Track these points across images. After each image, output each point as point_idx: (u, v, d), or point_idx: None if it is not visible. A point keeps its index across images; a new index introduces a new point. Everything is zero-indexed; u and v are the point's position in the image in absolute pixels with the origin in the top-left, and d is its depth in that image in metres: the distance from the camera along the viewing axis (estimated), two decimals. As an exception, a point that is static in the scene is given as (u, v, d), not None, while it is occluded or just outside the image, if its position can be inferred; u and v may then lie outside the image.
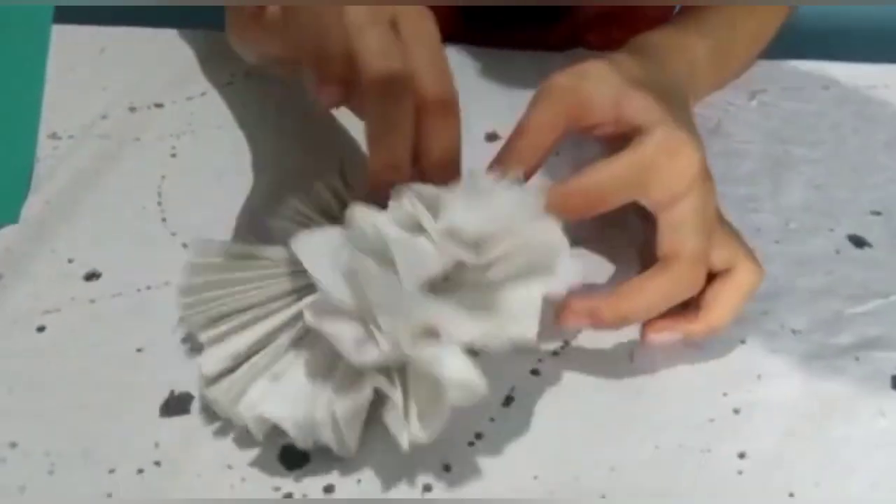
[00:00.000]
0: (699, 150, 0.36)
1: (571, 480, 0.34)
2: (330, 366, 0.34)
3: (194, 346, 0.37)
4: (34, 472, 0.33)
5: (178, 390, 0.36)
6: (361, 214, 0.34)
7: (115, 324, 0.39)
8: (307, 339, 0.35)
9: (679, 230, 0.36)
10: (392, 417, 0.32)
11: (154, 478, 0.33)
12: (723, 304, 0.37)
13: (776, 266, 0.41)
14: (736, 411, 0.36)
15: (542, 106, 0.38)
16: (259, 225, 0.41)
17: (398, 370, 0.33)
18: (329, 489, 0.33)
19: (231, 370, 0.34)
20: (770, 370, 0.38)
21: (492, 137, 0.47)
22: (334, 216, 0.39)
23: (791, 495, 0.34)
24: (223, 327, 0.35)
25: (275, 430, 0.34)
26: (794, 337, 0.39)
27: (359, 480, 0.34)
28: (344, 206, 0.39)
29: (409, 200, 0.34)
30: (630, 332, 0.38)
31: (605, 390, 0.37)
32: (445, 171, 0.35)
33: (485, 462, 0.34)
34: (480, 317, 0.33)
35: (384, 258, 0.33)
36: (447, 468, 0.34)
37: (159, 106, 0.50)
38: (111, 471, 0.34)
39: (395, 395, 0.32)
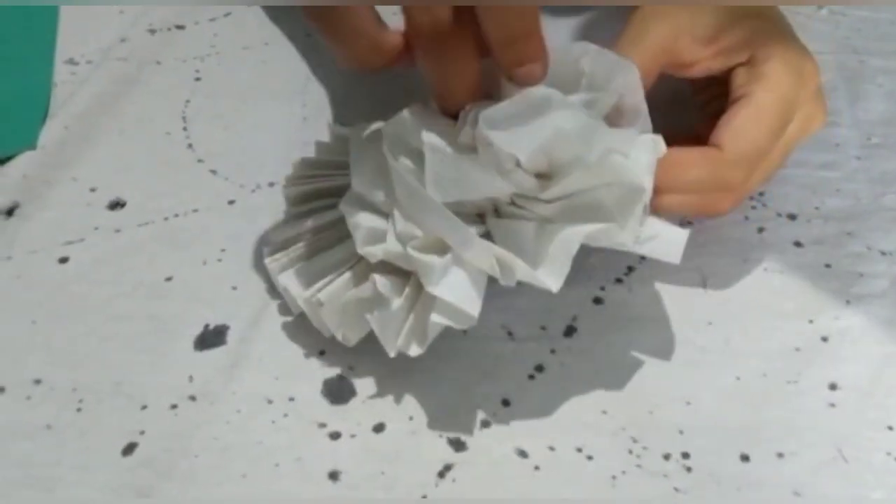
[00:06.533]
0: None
1: (645, 415, 0.31)
2: (353, 258, 0.33)
3: (226, 278, 0.35)
4: (61, 409, 0.31)
5: (214, 323, 0.33)
6: (411, 115, 0.31)
7: (143, 253, 0.36)
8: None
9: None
10: (380, 320, 0.30)
11: (189, 413, 0.31)
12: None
13: (859, 184, 0.38)
14: (824, 339, 0.33)
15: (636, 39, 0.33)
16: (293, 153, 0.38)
17: (409, 279, 0.31)
18: (379, 428, 0.31)
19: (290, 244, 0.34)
20: (859, 295, 0.34)
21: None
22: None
23: (890, 428, 0.31)
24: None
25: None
26: (883, 259, 0.35)
27: (411, 417, 0.31)
28: None
29: (472, 117, 0.30)
30: (701, 256, 0.35)
31: (676, 319, 0.34)
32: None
33: (547, 396, 0.32)
34: (502, 250, 0.29)
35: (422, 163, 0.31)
36: (506, 403, 0.31)
37: (180, 28, 0.46)
38: (143, 407, 0.31)
39: (394, 300, 0.30)
